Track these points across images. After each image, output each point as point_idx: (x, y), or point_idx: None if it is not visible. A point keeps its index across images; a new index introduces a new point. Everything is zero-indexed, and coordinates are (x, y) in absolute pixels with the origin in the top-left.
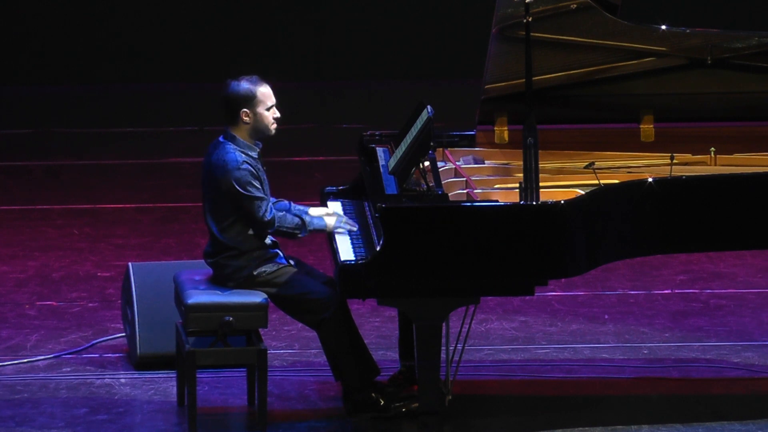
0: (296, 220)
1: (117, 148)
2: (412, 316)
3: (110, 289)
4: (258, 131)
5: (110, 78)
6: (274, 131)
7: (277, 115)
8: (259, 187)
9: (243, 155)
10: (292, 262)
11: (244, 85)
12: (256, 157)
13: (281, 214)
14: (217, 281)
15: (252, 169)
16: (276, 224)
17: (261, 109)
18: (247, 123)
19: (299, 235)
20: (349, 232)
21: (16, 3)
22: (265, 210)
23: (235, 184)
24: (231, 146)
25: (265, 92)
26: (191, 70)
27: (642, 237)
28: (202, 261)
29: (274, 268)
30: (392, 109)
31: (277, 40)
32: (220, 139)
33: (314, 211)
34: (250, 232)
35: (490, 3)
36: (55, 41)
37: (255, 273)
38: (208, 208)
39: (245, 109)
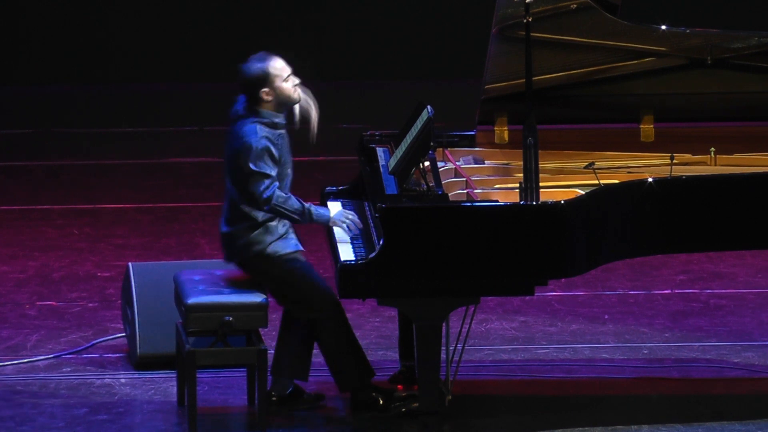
0: (298, 204)
1: (117, 148)
2: (412, 316)
3: (110, 289)
4: (282, 104)
5: (110, 78)
6: (299, 97)
7: (297, 81)
8: (272, 165)
9: (265, 129)
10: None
11: (255, 65)
12: (282, 125)
13: (284, 196)
14: (225, 255)
15: (270, 144)
16: (273, 202)
17: (279, 83)
18: (269, 101)
19: (299, 220)
20: (350, 232)
21: (16, 3)
22: (266, 187)
23: (245, 154)
24: (254, 119)
25: (277, 66)
26: (191, 70)
27: (642, 237)
28: (203, 261)
29: (288, 250)
30: (392, 109)
31: (277, 40)
32: (242, 110)
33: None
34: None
35: (490, 3)
36: (55, 41)
37: (267, 251)
38: (229, 175)
39: (264, 89)
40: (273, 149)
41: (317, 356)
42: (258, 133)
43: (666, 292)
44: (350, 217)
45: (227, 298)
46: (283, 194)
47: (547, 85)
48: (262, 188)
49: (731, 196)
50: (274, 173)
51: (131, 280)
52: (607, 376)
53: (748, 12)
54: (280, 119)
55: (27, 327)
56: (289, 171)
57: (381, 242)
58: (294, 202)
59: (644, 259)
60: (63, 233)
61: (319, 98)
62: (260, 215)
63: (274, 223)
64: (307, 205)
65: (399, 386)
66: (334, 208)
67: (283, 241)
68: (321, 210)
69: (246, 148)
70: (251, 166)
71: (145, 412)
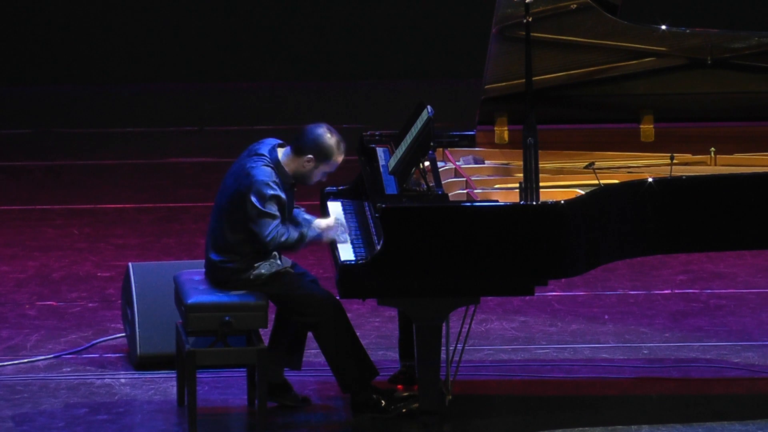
0: (296, 234)
1: (117, 148)
2: (412, 316)
3: (110, 289)
4: (302, 177)
5: (110, 78)
6: (311, 183)
7: (324, 179)
8: (277, 208)
9: (276, 175)
10: (289, 263)
11: (332, 142)
12: (288, 188)
13: (284, 232)
14: (214, 284)
15: (279, 189)
16: (276, 242)
17: (321, 168)
18: (303, 167)
19: (300, 247)
20: (350, 232)
21: (16, 3)
22: (272, 229)
23: (255, 196)
24: (272, 165)
25: (337, 161)
26: (191, 70)
27: (642, 237)
28: (202, 261)
29: (272, 269)
30: (392, 109)
31: (277, 40)
32: (265, 151)
33: (319, 222)
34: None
35: (490, 3)
36: (55, 41)
37: (252, 277)
38: (221, 207)
39: (312, 157)
40: (282, 195)
41: (318, 356)
42: (270, 177)
43: (666, 292)
44: (340, 228)
45: (227, 298)
46: (283, 229)
47: (547, 85)
48: (268, 230)
49: (731, 196)
50: (277, 214)
51: (131, 280)
52: (607, 376)
53: (748, 12)
54: (287, 183)
55: (27, 327)
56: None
57: (381, 242)
58: (293, 234)
59: (644, 259)
60: (63, 233)
61: (319, 98)
62: (243, 248)
63: (254, 253)
64: (302, 229)
65: (399, 386)
66: (334, 208)
67: (268, 263)
68: (311, 231)
69: (256, 189)
70: (260, 206)
71: (145, 412)
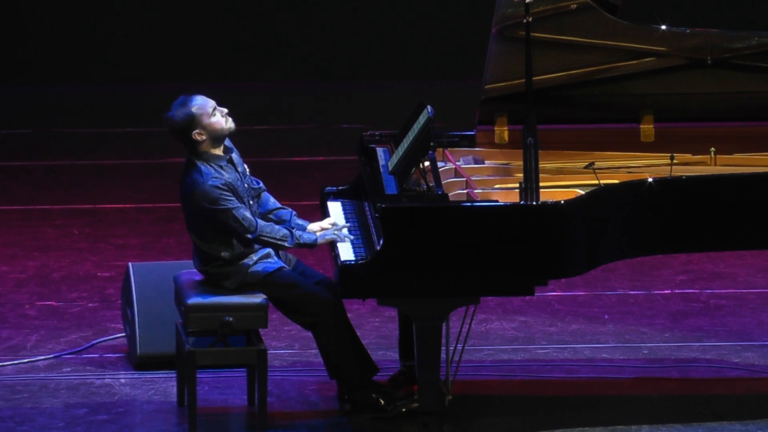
0: (284, 231)
1: (117, 148)
2: (412, 316)
3: (110, 289)
4: (216, 138)
5: (110, 78)
6: (232, 126)
7: (225, 111)
8: (230, 198)
9: (212, 170)
10: (291, 258)
11: (179, 111)
12: (226, 164)
13: (267, 223)
14: (214, 286)
15: (220, 183)
16: (258, 232)
17: (207, 120)
18: (203, 140)
19: (286, 245)
20: (350, 232)
21: (16, 3)
22: (242, 218)
23: (203, 202)
24: (199, 163)
25: (200, 104)
26: (191, 70)
27: (642, 237)
28: None
29: (267, 271)
30: (392, 109)
31: (277, 40)
32: (187, 156)
33: (313, 226)
34: (233, 241)
35: (490, 3)
36: (55, 41)
37: (247, 279)
38: (187, 222)
39: (195, 131)
40: (219, 183)
41: (318, 356)
42: (203, 178)
43: (666, 292)
44: (336, 232)
45: (227, 298)
46: (263, 222)
47: (547, 85)
48: (237, 221)
49: (731, 196)
50: (235, 203)
51: (131, 280)
52: (607, 376)
53: (748, 12)
54: (224, 161)
55: (27, 327)
56: (250, 202)
57: (381, 242)
58: (279, 228)
59: (644, 259)
60: (63, 233)
61: (319, 98)
62: (226, 253)
63: (243, 257)
64: (296, 232)
65: (399, 386)
66: (334, 208)
67: (263, 263)
68: (306, 235)
69: (201, 196)
70: (214, 207)
71: (145, 412)
